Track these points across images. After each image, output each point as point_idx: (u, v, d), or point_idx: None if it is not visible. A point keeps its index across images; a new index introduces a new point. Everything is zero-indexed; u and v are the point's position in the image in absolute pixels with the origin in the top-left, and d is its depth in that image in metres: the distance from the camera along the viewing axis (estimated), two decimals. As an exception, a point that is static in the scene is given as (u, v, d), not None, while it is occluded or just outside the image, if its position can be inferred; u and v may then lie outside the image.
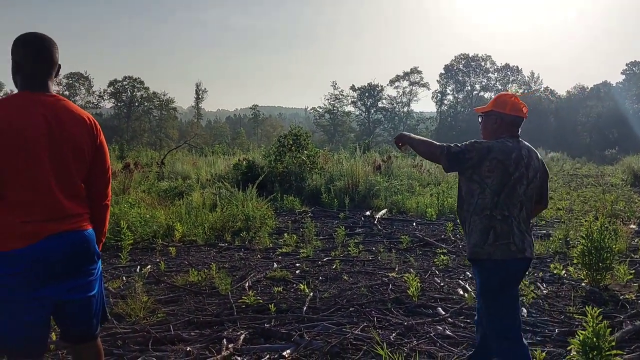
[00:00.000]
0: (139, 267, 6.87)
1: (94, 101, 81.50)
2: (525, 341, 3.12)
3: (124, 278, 6.21)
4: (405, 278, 5.93)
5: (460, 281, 6.34)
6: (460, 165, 3.09)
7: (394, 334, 4.32)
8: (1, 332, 2.31)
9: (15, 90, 2.51)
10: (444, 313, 5.03)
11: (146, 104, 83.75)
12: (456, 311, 5.08)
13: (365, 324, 4.69)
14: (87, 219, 2.55)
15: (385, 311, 5.08)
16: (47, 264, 2.33)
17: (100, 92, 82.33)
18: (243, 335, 4.19)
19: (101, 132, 2.62)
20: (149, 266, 6.87)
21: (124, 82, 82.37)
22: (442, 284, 6.19)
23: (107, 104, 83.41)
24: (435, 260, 7.49)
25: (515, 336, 3.04)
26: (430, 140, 3.25)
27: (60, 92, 77.91)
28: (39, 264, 2.31)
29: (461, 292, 5.80)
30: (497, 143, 3.09)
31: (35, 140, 2.32)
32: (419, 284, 5.57)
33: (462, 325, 4.72)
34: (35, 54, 2.45)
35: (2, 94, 70.95)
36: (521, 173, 3.06)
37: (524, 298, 5.37)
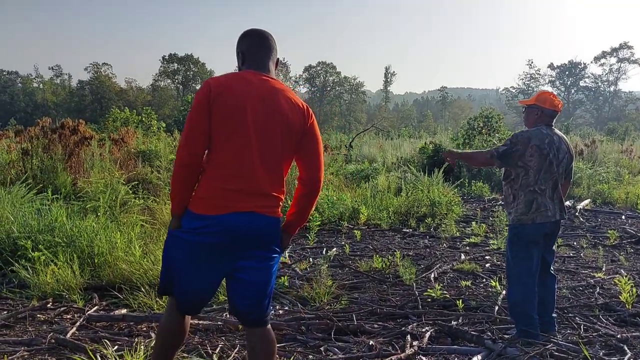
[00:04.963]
0: (325, 249, 6.95)
1: (291, 86, 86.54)
2: (536, 290, 3.89)
3: (311, 260, 6.31)
4: (616, 281, 5.15)
5: (686, 288, 5.34)
6: (511, 159, 3.86)
7: (604, 349, 3.72)
8: (173, 283, 2.54)
9: None
10: (666, 327, 4.24)
11: (337, 88, 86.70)
12: (683, 326, 4.25)
13: (568, 331, 4.14)
14: (279, 204, 2.58)
15: (592, 318, 4.44)
16: (229, 238, 2.43)
17: (296, 78, 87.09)
18: (429, 332, 3.92)
19: (313, 118, 2.67)
20: (334, 249, 6.92)
21: (318, 68, 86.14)
22: (661, 290, 5.28)
23: (302, 89, 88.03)
24: (653, 261, 6.49)
25: (527, 284, 3.86)
26: (478, 151, 4.14)
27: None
28: (222, 236, 2.42)
29: (687, 302, 4.88)
30: (534, 131, 3.89)
31: (246, 110, 2.44)
32: (633, 289, 4.79)
33: (691, 343, 3.92)
34: (257, 42, 2.66)
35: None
36: (553, 154, 3.86)
37: None
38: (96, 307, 4.33)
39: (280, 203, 2.59)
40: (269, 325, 2.66)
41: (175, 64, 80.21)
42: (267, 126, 2.48)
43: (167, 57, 79.97)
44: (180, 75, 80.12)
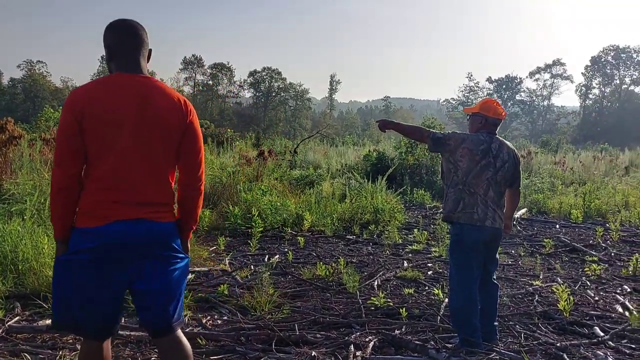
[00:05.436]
0: (267, 256, 6.79)
1: (235, 90, 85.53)
2: (477, 296, 3.84)
3: (252, 267, 6.13)
4: (554, 289, 5.24)
5: (618, 296, 5.50)
6: (442, 149, 3.91)
7: (545, 357, 3.73)
8: (72, 310, 2.32)
9: None
10: (602, 334, 4.30)
11: (283, 94, 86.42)
12: (618, 333, 4.31)
13: (510, 340, 4.14)
14: (169, 210, 2.45)
15: (531, 326, 4.47)
16: (116, 248, 2.27)
17: (240, 82, 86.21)
18: (372, 342, 3.83)
19: (193, 112, 2.50)
20: (277, 256, 6.77)
21: (263, 73, 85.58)
22: (596, 298, 5.40)
23: (247, 94, 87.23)
24: (586, 269, 6.65)
25: (468, 291, 3.81)
26: (418, 126, 4.15)
27: (205, 82, 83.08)
28: (108, 246, 2.26)
29: (620, 310, 5.00)
30: (472, 136, 3.90)
31: (119, 119, 2.29)
32: (571, 297, 4.88)
33: (627, 351, 3.98)
34: (125, 37, 2.44)
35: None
36: (488, 162, 3.81)
37: None
38: (18, 318, 4.03)
39: (171, 208, 2.46)
40: (180, 332, 2.50)
41: (115, 64, 77.77)
42: (145, 132, 2.33)
43: (105, 57, 77.42)
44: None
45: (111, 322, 2.41)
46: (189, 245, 2.64)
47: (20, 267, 4.76)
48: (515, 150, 4.06)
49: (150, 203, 2.36)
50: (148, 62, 2.53)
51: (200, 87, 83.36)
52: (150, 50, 2.53)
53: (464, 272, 3.84)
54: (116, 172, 2.29)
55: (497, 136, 3.98)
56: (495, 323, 4.03)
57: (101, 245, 2.25)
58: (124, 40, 2.43)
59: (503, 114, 4.01)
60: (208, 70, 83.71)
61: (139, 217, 2.31)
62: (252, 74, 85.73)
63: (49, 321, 3.94)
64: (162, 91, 2.41)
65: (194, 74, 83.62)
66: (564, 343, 3.96)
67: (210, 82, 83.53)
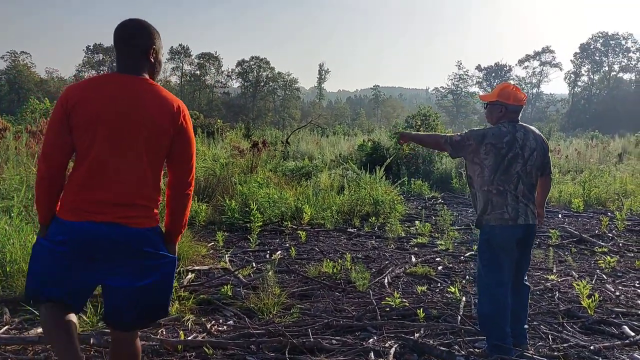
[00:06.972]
0: (269, 252, 6.49)
1: (223, 80, 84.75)
2: (509, 300, 3.55)
3: (254, 264, 5.83)
4: (574, 284, 4.99)
5: (638, 290, 5.28)
6: (463, 152, 3.63)
7: (579, 362, 3.49)
8: (43, 286, 2.38)
9: None
10: (633, 334, 4.06)
11: (271, 83, 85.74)
12: (648, 332, 4.10)
13: (539, 343, 3.87)
14: (149, 214, 2.43)
15: (557, 326, 4.22)
16: (85, 246, 2.32)
17: (228, 72, 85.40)
18: (393, 348, 3.54)
19: (187, 119, 2.50)
20: (279, 252, 6.47)
21: (251, 62, 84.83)
22: (617, 294, 5.16)
23: (235, 84, 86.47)
24: (599, 261, 6.42)
25: (498, 295, 3.52)
26: (434, 133, 3.99)
27: (192, 72, 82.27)
28: (78, 243, 2.32)
29: (644, 306, 4.78)
30: (492, 129, 3.58)
31: (105, 118, 2.31)
32: (595, 294, 4.64)
33: (661, 352, 3.75)
34: (122, 38, 2.46)
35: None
36: (515, 153, 3.51)
37: None
38: (7, 327, 3.70)
39: (151, 212, 2.44)
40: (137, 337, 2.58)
41: (101, 55, 76.95)
42: (127, 133, 2.34)
43: (91, 47, 76.57)
44: (106, 66, 77.02)
45: (80, 302, 2.47)
46: (176, 248, 2.63)
47: (8, 269, 4.43)
48: (543, 136, 3.73)
49: (129, 204, 2.35)
50: (156, 58, 2.52)
51: (188, 77, 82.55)
52: (153, 49, 2.50)
53: (494, 274, 3.54)
54: (95, 171, 2.33)
55: (520, 123, 3.65)
56: (525, 326, 3.75)
57: (71, 240, 2.31)
58: (122, 42, 2.46)
59: (524, 99, 3.67)
60: (195, 60, 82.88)
61: (114, 220, 2.31)
62: (240, 63, 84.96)
63: (40, 330, 3.62)
64: (155, 94, 2.41)
65: (181, 64, 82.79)
66: (596, 345, 3.71)
67: (198, 72, 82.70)
